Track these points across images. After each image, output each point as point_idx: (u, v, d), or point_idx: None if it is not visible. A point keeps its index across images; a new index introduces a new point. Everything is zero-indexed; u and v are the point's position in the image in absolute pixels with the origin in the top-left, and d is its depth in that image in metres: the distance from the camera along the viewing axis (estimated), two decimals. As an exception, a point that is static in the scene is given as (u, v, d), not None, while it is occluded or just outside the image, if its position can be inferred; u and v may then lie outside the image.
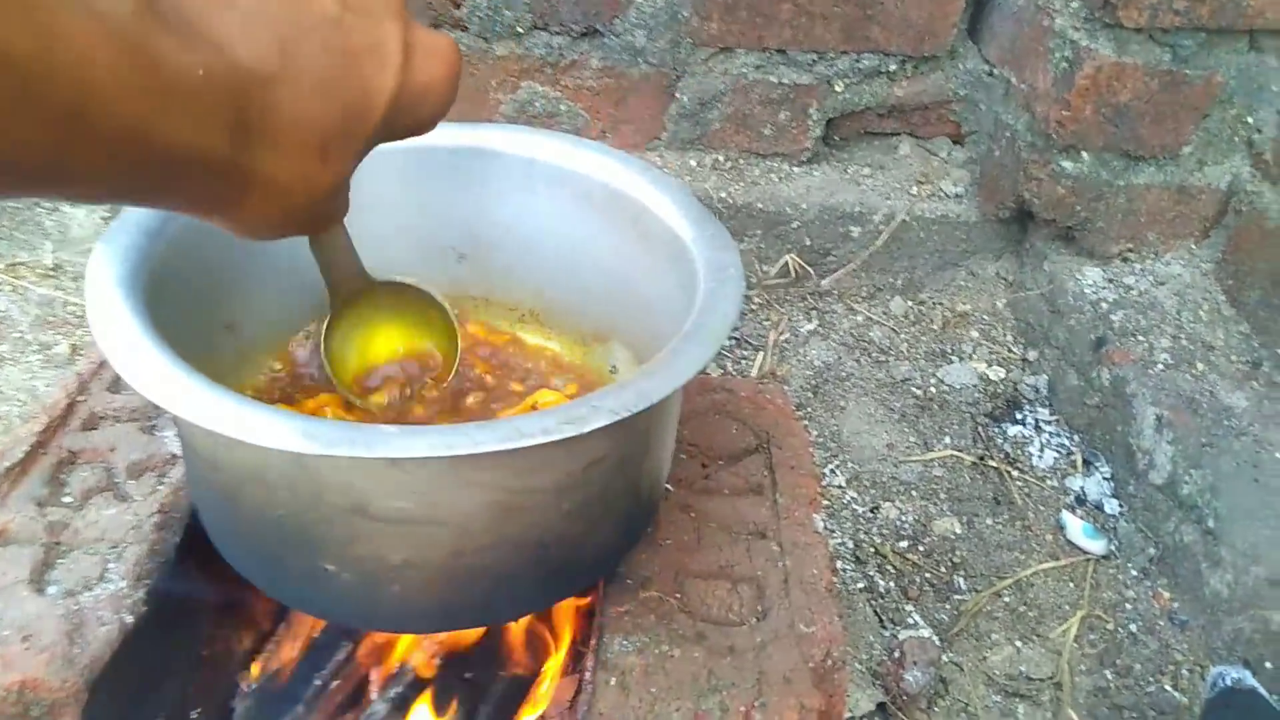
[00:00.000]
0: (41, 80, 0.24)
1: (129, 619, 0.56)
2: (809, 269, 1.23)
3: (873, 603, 0.90)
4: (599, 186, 0.71)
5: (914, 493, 1.01)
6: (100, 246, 0.53)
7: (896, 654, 0.80)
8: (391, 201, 0.69)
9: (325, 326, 0.60)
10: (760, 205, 1.22)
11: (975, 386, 1.13)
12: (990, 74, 1.19)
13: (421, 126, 0.40)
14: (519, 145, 0.72)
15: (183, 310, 0.55)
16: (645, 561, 0.64)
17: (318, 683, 0.64)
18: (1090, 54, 1.02)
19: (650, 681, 0.56)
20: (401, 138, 0.41)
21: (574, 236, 0.74)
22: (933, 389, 1.13)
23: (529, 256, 0.76)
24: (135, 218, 0.56)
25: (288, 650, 0.73)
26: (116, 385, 0.73)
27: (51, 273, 1.18)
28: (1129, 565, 0.95)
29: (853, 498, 1.01)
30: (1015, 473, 1.03)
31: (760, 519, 0.69)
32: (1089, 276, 1.13)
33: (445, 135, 0.66)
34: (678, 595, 0.62)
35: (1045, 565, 0.94)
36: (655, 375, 0.49)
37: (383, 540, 0.48)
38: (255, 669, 0.69)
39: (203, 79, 0.29)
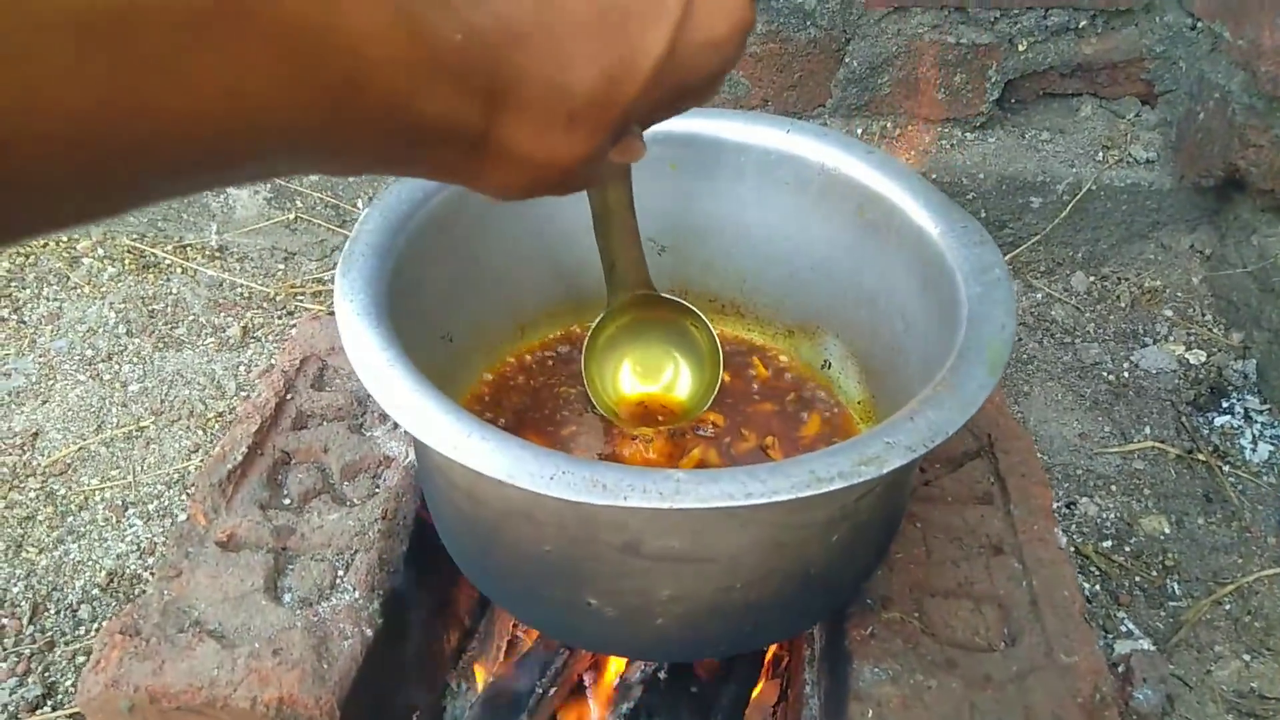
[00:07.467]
0: (325, 50, 0.23)
1: (369, 632, 0.56)
2: (985, 243, 1.16)
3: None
4: (816, 172, 0.66)
5: (1114, 488, 0.95)
6: (340, 280, 0.51)
7: (1121, 669, 0.74)
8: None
9: (592, 330, 0.60)
10: (933, 175, 1.15)
11: (1174, 372, 1.05)
12: (1194, 28, 1.09)
13: (690, 97, 0.34)
14: (729, 131, 0.68)
15: (409, 324, 0.53)
16: (880, 578, 0.60)
17: (538, 690, 0.63)
18: (1328, 5, 0.92)
19: (909, 715, 0.52)
20: (666, 113, 0.35)
21: (785, 225, 0.70)
22: (1126, 374, 1.06)
23: (733, 247, 0.72)
24: (365, 240, 0.54)
25: (493, 650, 0.72)
26: (320, 382, 0.73)
27: (218, 254, 1.20)
28: (1362, 571, 0.87)
29: (1045, 491, 0.95)
30: (1227, 468, 0.96)
31: (994, 532, 0.64)
32: (1307, 251, 1.03)
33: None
34: (918, 615, 0.59)
35: (1269, 571, 0.87)
36: (943, 404, 0.45)
37: (651, 577, 0.45)
38: (479, 673, 0.68)
39: (461, 44, 0.27)
